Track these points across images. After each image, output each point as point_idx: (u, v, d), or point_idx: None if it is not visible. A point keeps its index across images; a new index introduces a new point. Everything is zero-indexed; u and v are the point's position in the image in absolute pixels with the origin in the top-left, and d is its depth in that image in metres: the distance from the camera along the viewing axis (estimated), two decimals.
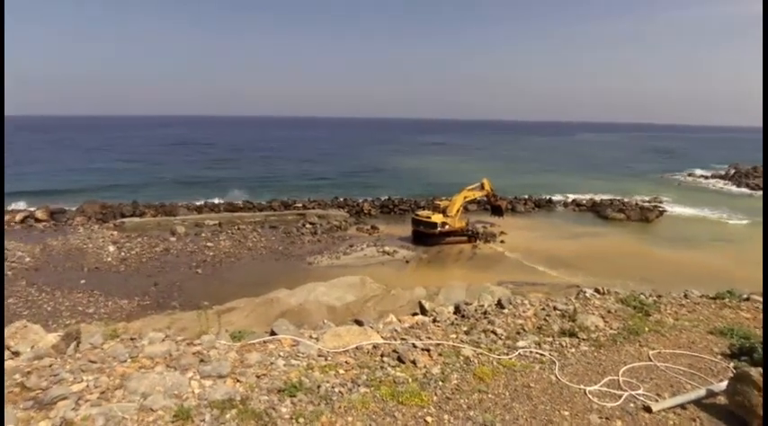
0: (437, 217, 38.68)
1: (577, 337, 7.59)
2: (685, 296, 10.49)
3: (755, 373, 5.56)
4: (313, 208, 49.47)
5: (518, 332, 7.81)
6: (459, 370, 6.34)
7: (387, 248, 36.78)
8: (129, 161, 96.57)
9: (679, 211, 57.70)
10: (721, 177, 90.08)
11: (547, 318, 8.42)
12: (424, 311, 10.88)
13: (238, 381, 5.60)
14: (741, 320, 9.00)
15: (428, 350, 6.86)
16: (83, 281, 29.44)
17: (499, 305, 9.23)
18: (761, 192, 73.34)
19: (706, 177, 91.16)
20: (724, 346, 7.55)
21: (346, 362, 6.44)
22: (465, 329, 8.03)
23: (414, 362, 6.43)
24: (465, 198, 41.40)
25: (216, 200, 52.51)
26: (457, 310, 9.13)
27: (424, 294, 27.75)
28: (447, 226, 38.91)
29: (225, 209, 48.44)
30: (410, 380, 5.93)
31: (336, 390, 5.54)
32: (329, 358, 6.54)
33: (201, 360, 6.04)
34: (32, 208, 45.66)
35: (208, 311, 25.00)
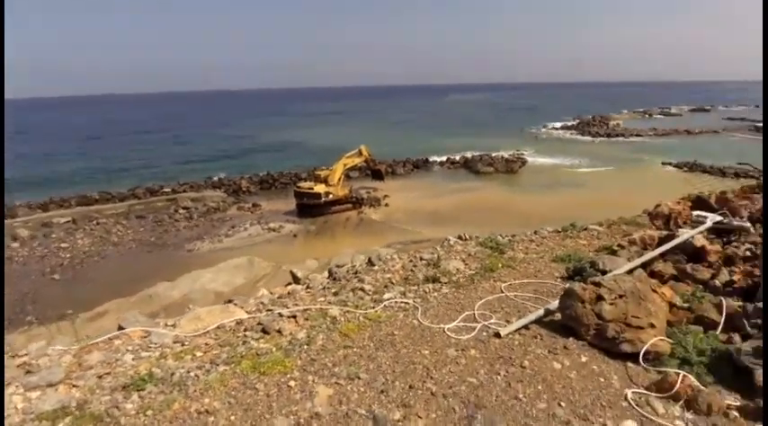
0: (320, 188, 38.33)
1: (440, 282, 8.14)
2: (535, 232, 11.88)
3: (578, 287, 6.34)
4: (185, 191, 46.03)
5: (386, 286, 8.17)
6: (326, 331, 6.39)
7: (272, 224, 35.72)
8: None
9: (539, 161, 63.99)
10: (568, 128, 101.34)
11: (413, 269, 8.91)
12: (296, 280, 10.89)
13: (74, 386, 5.00)
14: (579, 247, 10.41)
15: (294, 317, 6.81)
16: None
17: (369, 263, 9.66)
18: (600, 139, 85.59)
19: (557, 129, 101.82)
20: (564, 270, 8.57)
21: (206, 344, 6.12)
22: (334, 291, 8.22)
23: (279, 331, 6.34)
24: (345, 165, 41.42)
25: (66, 195, 45.89)
26: (330, 274, 9.43)
27: (316, 266, 27.55)
28: (331, 196, 38.78)
29: (77, 203, 42.76)
30: (274, 349, 5.81)
31: (192, 374, 5.19)
32: (186, 342, 6.15)
33: (28, 372, 5.28)
34: None
35: (75, 320, 22.58)
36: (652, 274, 8.01)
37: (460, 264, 8.90)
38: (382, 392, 4.89)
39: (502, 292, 7.64)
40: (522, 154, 66.89)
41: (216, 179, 52.12)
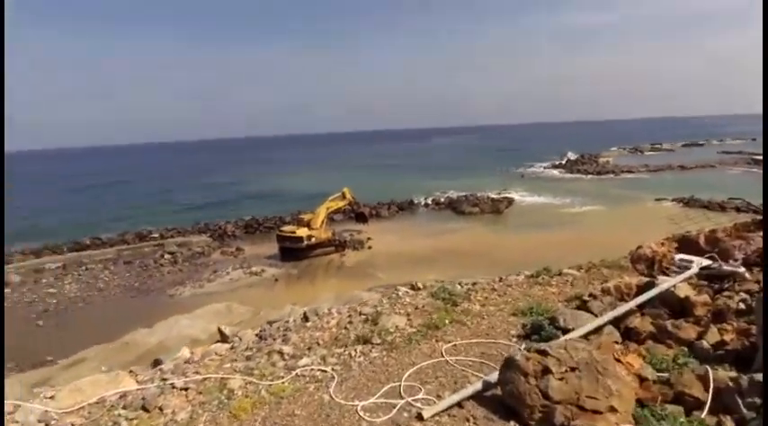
0: (302, 231, 39.03)
1: (371, 343, 7.60)
2: (500, 279, 11.68)
3: (520, 357, 5.23)
4: (172, 236, 46.62)
5: (309, 348, 7.70)
6: (214, 409, 5.77)
7: (254, 268, 36.25)
8: None
9: (526, 200, 64.87)
10: (556, 167, 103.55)
11: (348, 325, 8.56)
12: (224, 337, 10.81)
13: None
14: (548, 296, 9.88)
15: (186, 389, 6.30)
16: None
17: (305, 318, 9.58)
18: (590, 176, 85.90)
19: (545, 168, 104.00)
20: (522, 327, 7.94)
21: (72, 424, 5.62)
22: (248, 354, 7.71)
23: (161, 408, 5.83)
24: (328, 208, 42.29)
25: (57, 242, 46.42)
26: (260, 331, 9.30)
27: (294, 310, 28.14)
28: (313, 239, 39.46)
29: (69, 249, 43.34)
30: None
31: None
32: (53, 421, 5.62)
33: None
34: None
35: (52, 366, 22.73)
36: (627, 332, 7.04)
37: (402, 320, 8.42)
38: None
39: (442, 356, 6.89)
40: (509, 193, 67.94)
41: (202, 224, 52.72)
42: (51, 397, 6.21)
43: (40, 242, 46.16)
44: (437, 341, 7.55)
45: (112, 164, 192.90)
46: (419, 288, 11.31)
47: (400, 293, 10.86)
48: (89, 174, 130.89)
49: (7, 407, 5.72)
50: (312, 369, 6.75)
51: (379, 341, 7.68)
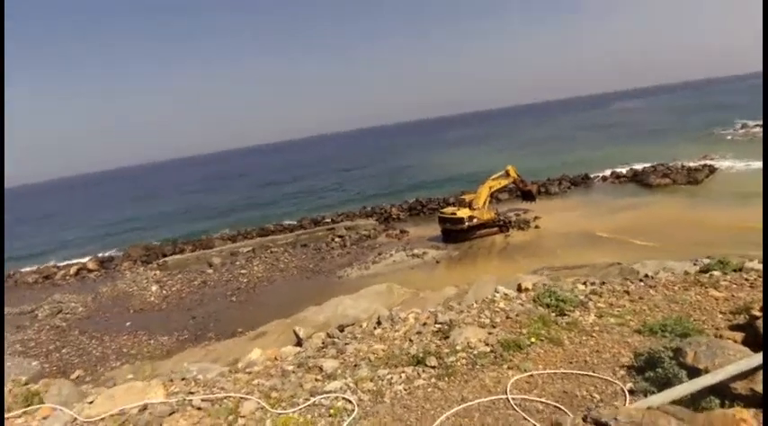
0: (463, 212, 37.82)
1: (425, 365, 6.14)
2: (646, 277, 8.85)
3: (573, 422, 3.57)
4: (342, 221, 49.72)
5: (356, 365, 6.62)
6: None
7: (416, 251, 36.32)
8: (166, 204, 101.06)
9: (734, 167, 53.55)
10: None
11: (414, 337, 7.16)
12: (299, 340, 10.07)
13: None
14: (706, 303, 7.03)
15: (200, 408, 5.99)
16: (128, 324, 30.90)
17: (378, 322, 8.43)
18: None
19: (760, 126, 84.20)
20: (645, 352, 5.59)
21: None
22: (292, 368, 6.97)
23: None
24: (490, 187, 40.32)
25: (249, 228, 53.60)
26: (329, 335, 8.44)
27: (454, 293, 27.03)
28: (475, 220, 37.94)
29: (258, 234, 49.51)
30: None
31: None
32: None
33: None
34: (84, 260, 48.52)
35: (242, 337, 25.79)
36: None
37: (480, 334, 6.63)
38: None
39: (506, 393, 5.12)
40: (712, 160, 57.05)
41: (369, 208, 55.19)
42: (91, 402, 6.34)
43: (235, 229, 53.92)
44: (510, 368, 5.66)
45: (289, 159, 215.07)
46: (526, 289, 9.04)
47: (497, 295, 8.76)
48: (273, 170, 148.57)
49: (43, 412, 6.04)
50: (337, 397, 5.69)
51: (434, 363, 6.14)
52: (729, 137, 77.02)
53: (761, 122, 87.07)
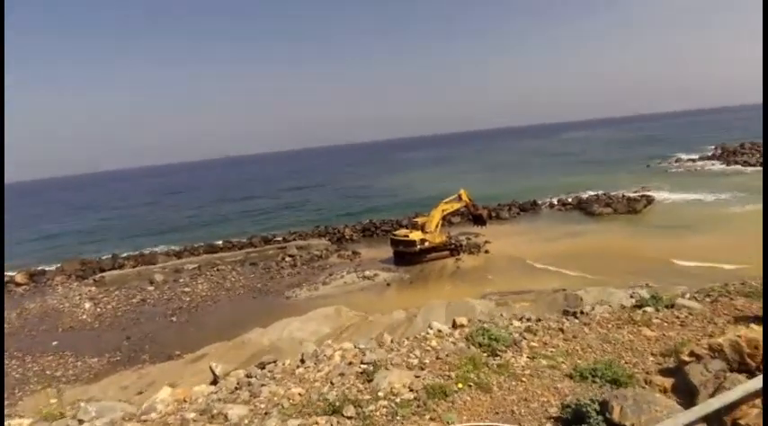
0: (415, 235, 37.98)
1: (342, 415, 5.70)
2: (580, 313, 8.90)
3: None
4: (294, 239, 48.82)
5: (267, 413, 6.14)
6: None
7: (367, 273, 36.04)
8: (110, 216, 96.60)
9: (670, 198, 56.73)
10: (709, 158, 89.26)
11: (335, 380, 6.73)
12: (215, 377, 9.59)
13: None
14: (638, 343, 7.05)
15: None
16: (55, 343, 28.82)
17: (302, 360, 8.04)
18: (752, 168, 71.50)
19: (693, 160, 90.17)
20: (575, 402, 5.29)
21: None
22: (194, 416, 6.49)
23: None
24: (443, 211, 40.76)
25: (196, 244, 51.71)
26: (247, 374, 8.00)
27: (403, 317, 27.01)
28: (427, 243, 38.19)
29: (205, 251, 47.80)
30: None
31: None
32: None
33: None
34: (12, 273, 45.09)
35: (179, 360, 24.50)
36: None
37: (406, 378, 6.26)
38: None
39: None
40: (649, 191, 60.24)
41: (322, 227, 54.54)
42: None
43: (181, 245, 51.96)
44: (432, 419, 5.27)
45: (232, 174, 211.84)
46: (461, 325, 8.75)
47: (430, 332, 8.57)
48: (225, 186, 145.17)
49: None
50: None
51: (351, 413, 5.67)
52: (666, 170, 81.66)
53: (695, 156, 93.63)
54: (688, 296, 9.26)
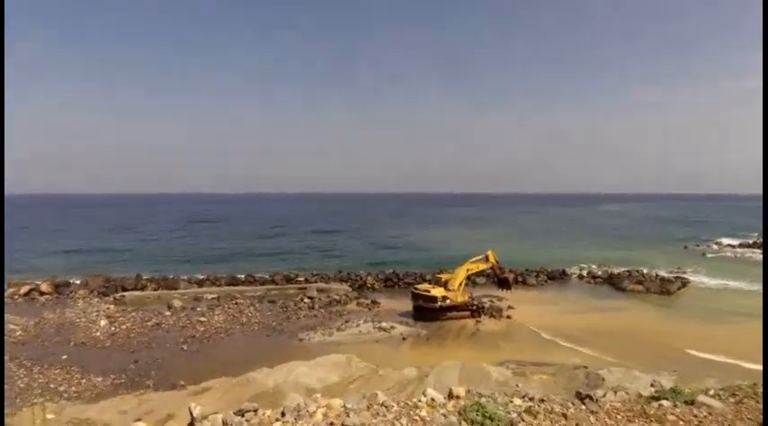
0: (437, 291, 37.17)
1: None
2: (588, 398, 8.12)
3: None
4: (316, 281, 48.57)
5: None
6: None
7: (384, 324, 35.15)
8: (145, 237, 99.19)
9: (706, 283, 54.43)
10: (750, 246, 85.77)
11: None
12: (193, 420, 9.03)
13: None
14: None
15: None
16: (65, 357, 28.82)
17: (283, 413, 7.52)
18: None
19: (733, 246, 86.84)
20: None
21: None
22: None
23: None
24: (468, 270, 39.97)
25: (219, 274, 52.03)
26: (224, 422, 7.70)
27: (415, 375, 25.96)
28: (448, 301, 37.27)
29: (226, 283, 47.98)
30: None
31: None
32: None
33: None
34: (38, 281, 46.09)
35: (182, 391, 23.94)
36: None
37: None
38: None
39: None
40: (684, 273, 57.99)
41: (345, 273, 54.21)
42: None
43: (204, 273, 52.44)
44: None
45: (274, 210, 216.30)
46: (457, 397, 8.07)
47: (422, 399, 7.91)
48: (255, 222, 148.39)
49: None
50: None
51: None
52: (704, 253, 78.65)
53: (735, 242, 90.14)
54: (712, 392, 8.45)
